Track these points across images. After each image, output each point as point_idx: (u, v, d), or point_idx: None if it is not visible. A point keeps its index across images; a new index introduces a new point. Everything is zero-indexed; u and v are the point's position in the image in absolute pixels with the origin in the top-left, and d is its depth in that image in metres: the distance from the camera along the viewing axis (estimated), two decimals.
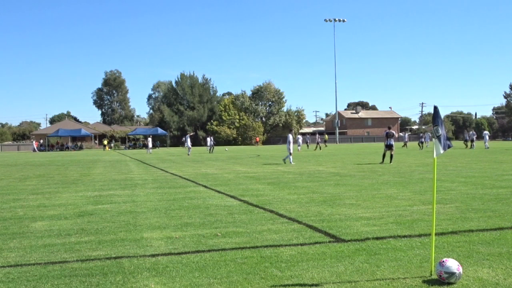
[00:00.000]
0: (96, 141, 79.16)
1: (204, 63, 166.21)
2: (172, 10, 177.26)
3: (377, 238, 5.73)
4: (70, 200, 9.92)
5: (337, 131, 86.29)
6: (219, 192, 10.90)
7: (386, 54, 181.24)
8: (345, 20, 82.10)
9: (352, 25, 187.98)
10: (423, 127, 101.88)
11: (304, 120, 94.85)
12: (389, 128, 20.57)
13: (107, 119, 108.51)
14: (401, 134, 79.13)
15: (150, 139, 46.84)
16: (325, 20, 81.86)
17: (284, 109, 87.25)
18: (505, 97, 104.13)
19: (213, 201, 9.37)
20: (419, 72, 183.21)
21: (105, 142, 67.03)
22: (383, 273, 4.38)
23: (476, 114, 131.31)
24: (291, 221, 6.96)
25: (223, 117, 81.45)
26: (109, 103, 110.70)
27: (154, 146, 51.93)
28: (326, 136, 62.58)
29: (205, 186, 12.17)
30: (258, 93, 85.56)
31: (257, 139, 77.13)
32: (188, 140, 36.62)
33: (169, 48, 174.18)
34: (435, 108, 4.39)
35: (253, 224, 6.81)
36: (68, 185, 13.30)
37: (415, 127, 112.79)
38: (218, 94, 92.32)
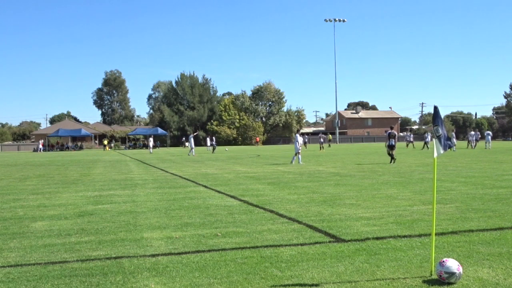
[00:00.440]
0: (96, 141, 79.15)
1: (204, 63, 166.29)
2: (172, 10, 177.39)
3: (377, 238, 5.73)
4: (70, 200, 9.92)
5: (337, 131, 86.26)
6: (219, 192, 10.90)
7: (386, 54, 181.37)
8: (345, 20, 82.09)
9: (352, 25, 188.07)
10: (423, 127, 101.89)
11: (304, 120, 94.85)
12: (391, 128, 20.59)
13: (107, 119, 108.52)
14: (402, 134, 79.16)
15: (151, 139, 46.91)
16: (325, 20, 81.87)
17: (284, 109, 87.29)
18: (505, 97, 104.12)
19: (213, 201, 9.37)
20: (419, 72, 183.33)
21: (105, 142, 67.04)
22: (383, 273, 4.38)
23: (476, 114, 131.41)
24: (291, 221, 6.96)
25: (223, 117, 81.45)
26: (109, 103, 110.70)
27: (154, 146, 51.94)
28: (330, 136, 62.40)
29: (205, 186, 12.17)
30: (258, 93, 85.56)
31: (257, 139, 77.12)
32: (192, 140, 36.74)
33: (169, 48, 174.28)
34: (435, 108, 4.39)
35: (253, 224, 6.81)
36: (68, 185, 13.30)
37: (415, 127, 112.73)
38: (218, 94, 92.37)
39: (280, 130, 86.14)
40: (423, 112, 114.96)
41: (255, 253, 5.13)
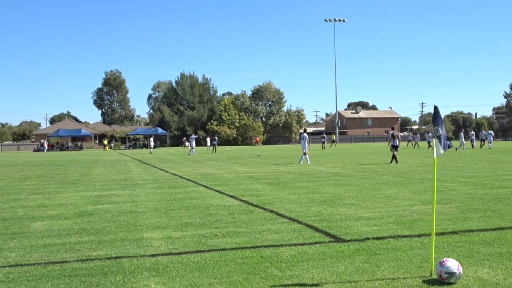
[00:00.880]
0: (96, 141, 79.15)
1: (204, 63, 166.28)
2: (172, 10, 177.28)
3: (377, 238, 5.73)
4: (70, 200, 9.92)
5: (337, 131, 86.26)
6: (219, 192, 10.90)
7: (386, 54, 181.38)
8: (345, 20, 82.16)
9: (352, 25, 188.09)
10: (423, 127, 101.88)
11: (304, 120, 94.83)
12: (393, 129, 20.70)
13: (107, 119, 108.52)
14: (402, 134, 79.11)
15: (152, 139, 46.97)
16: (325, 20, 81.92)
17: (284, 109, 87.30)
18: (505, 97, 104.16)
19: (213, 201, 9.37)
20: (419, 72, 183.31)
21: (105, 142, 67.04)
22: (383, 273, 4.38)
23: (476, 114, 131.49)
24: (291, 221, 6.96)
25: (223, 117, 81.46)
26: (109, 103, 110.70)
27: (154, 146, 51.99)
28: (334, 136, 62.40)
29: (205, 186, 12.17)
30: (258, 93, 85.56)
31: (257, 139, 77.11)
32: (193, 141, 36.93)
33: (169, 48, 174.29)
34: (435, 108, 4.39)
35: (253, 224, 6.81)
36: (68, 185, 13.30)
37: (415, 127, 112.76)
38: (218, 94, 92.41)
39: (280, 130, 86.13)
40: (423, 112, 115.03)
41: (255, 253, 5.13)
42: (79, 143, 72.28)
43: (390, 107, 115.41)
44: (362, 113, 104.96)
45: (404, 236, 5.82)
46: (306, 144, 20.97)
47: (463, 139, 36.00)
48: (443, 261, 4.11)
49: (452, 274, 4.02)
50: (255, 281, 4.22)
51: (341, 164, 20.44)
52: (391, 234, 5.96)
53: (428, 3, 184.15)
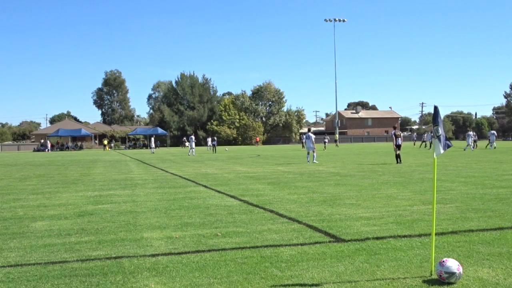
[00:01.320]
0: (96, 141, 79.16)
1: (204, 63, 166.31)
2: (172, 10, 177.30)
3: (377, 238, 5.73)
4: (70, 200, 9.92)
5: (337, 131, 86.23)
6: (219, 192, 10.90)
7: (386, 54, 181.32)
8: (345, 20, 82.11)
9: (352, 25, 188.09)
10: (423, 127, 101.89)
11: (304, 120, 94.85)
12: (395, 128, 20.76)
13: (107, 119, 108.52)
14: (405, 133, 79.07)
15: (153, 139, 47.01)
16: (325, 20, 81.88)
17: (284, 109, 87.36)
18: (505, 97, 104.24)
19: (213, 201, 9.37)
20: (419, 72, 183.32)
21: (105, 142, 67.05)
22: (383, 273, 4.38)
23: (476, 114, 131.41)
24: (291, 221, 6.96)
25: (223, 117, 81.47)
26: (109, 103, 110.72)
27: (155, 146, 52.07)
28: (337, 135, 62.34)
29: (205, 186, 12.17)
30: (258, 93, 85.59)
31: (257, 139, 77.14)
32: (193, 141, 36.94)
33: (169, 48, 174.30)
34: (435, 108, 4.39)
35: (253, 224, 6.81)
36: (68, 185, 13.30)
37: (415, 127, 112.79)
38: (218, 94, 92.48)
39: (280, 130, 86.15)
40: (423, 112, 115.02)
41: (255, 253, 5.13)
42: (79, 143, 72.30)
43: (390, 107, 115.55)
44: (362, 113, 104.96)
45: (404, 236, 5.82)
46: (311, 144, 21.20)
47: (471, 139, 34.76)
48: (443, 261, 4.11)
49: (452, 274, 4.02)
50: (255, 281, 4.22)
51: (341, 164, 20.44)
52: (391, 234, 5.96)
53: (428, 3, 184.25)
